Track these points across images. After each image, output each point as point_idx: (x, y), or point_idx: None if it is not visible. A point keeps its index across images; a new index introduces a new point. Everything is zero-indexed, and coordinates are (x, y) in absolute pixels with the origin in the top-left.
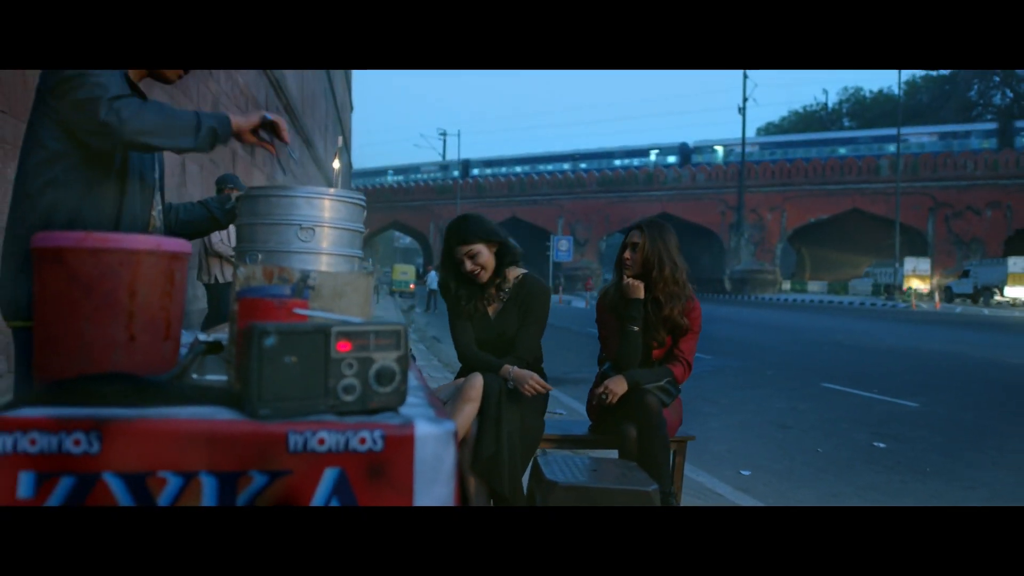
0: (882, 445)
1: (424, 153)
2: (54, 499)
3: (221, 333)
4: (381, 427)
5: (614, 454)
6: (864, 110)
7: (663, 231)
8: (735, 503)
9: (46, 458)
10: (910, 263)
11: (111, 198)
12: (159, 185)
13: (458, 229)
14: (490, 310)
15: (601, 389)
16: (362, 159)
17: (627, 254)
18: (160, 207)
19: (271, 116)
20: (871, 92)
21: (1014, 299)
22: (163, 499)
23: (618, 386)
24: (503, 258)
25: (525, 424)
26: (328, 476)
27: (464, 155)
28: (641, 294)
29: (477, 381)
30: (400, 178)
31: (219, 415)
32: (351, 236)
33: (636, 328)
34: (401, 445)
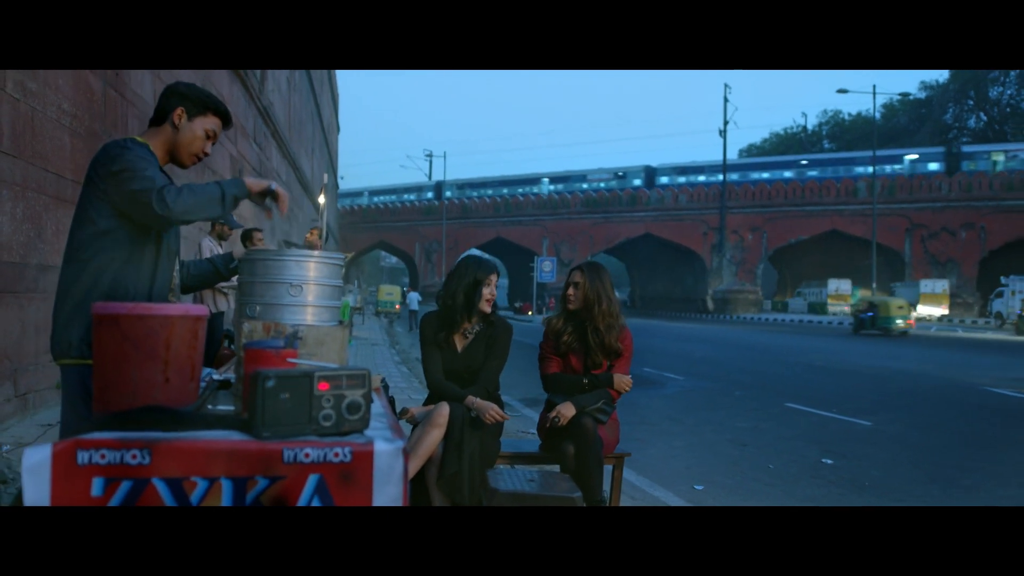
0: (829, 461)
1: (410, 174)
2: (116, 497)
3: (229, 373)
4: (350, 445)
5: (559, 468)
6: (843, 132)
7: (600, 271)
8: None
9: (112, 468)
10: (833, 284)
11: (147, 265)
12: (177, 250)
13: (489, 262)
14: (459, 345)
15: (553, 413)
16: (349, 180)
17: (571, 291)
18: (178, 268)
19: (275, 187)
20: (850, 115)
21: (928, 315)
22: (194, 497)
23: (568, 410)
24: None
25: (484, 446)
26: (312, 480)
27: (445, 176)
28: (627, 387)
29: (444, 410)
30: (560, 187)
31: (233, 436)
32: (332, 290)
33: (586, 384)
34: (364, 458)
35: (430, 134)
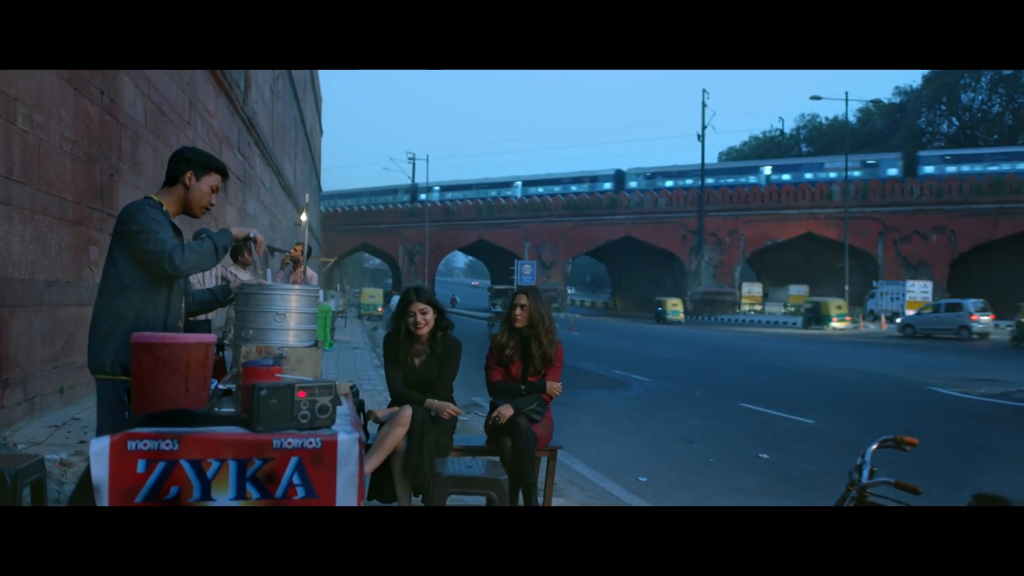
0: (765, 456)
1: (394, 176)
2: (155, 473)
3: (230, 384)
4: (320, 436)
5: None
6: (820, 135)
7: (540, 295)
8: (624, 501)
9: (151, 452)
10: (746, 287)
11: (162, 301)
12: (183, 286)
13: (416, 291)
14: (416, 361)
15: (495, 413)
16: (332, 182)
17: (517, 311)
18: (184, 300)
19: (254, 234)
20: (827, 119)
21: (793, 310)
22: (209, 473)
23: (507, 411)
24: (439, 323)
25: (440, 441)
26: (293, 461)
27: (426, 179)
28: (557, 392)
29: (407, 411)
30: (783, 176)
31: (236, 430)
32: (308, 316)
33: (523, 389)
34: (330, 445)
35: (411, 137)
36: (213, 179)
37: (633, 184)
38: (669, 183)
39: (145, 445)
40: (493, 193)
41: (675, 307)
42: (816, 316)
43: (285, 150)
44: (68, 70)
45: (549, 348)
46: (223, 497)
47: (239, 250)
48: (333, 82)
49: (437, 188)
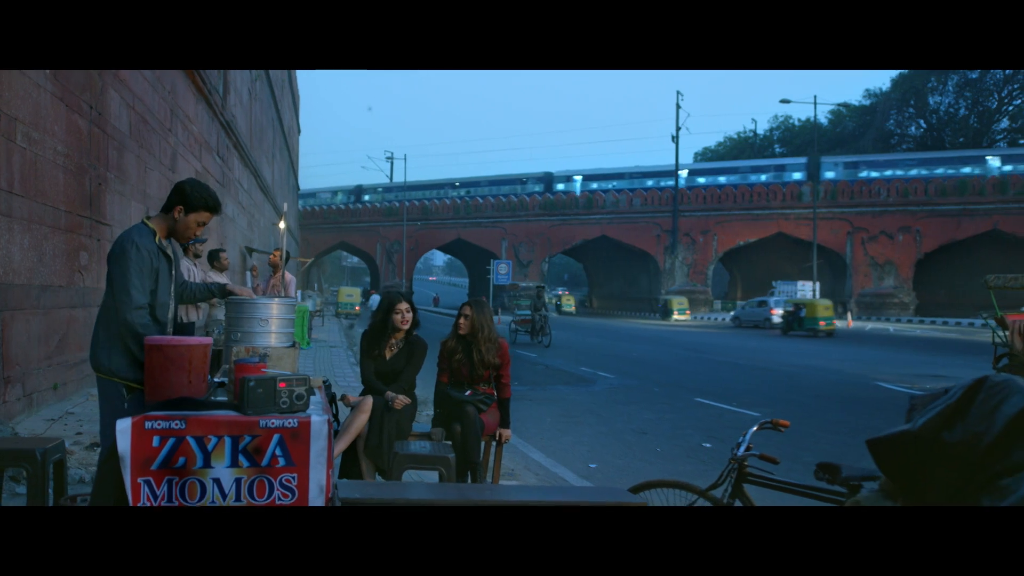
0: (708, 445)
1: (372, 175)
2: (166, 447)
3: (222, 377)
4: (297, 418)
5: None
6: (793, 136)
7: (484, 307)
8: (573, 484)
9: (164, 431)
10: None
11: (159, 309)
12: (179, 292)
13: (401, 294)
14: (388, 353)
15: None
16: (310, 180)
17: (462, 320)
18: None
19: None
20: (799, 120)
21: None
22: (209, 447)
23: (507, 434)
24: (414, 319)
25: (399, 426)
26: (275, 437)
27: (404, 178)
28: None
29: (369, 400)
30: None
31: (230, 413)
32: (287, 322)
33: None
34: (305, 425)
35: (389, 136)
36: (201, 216)
37: (831, 175)
38: (874, 173)
39: (159, 425)
40: (649, 183)
41: (568, 301)
42: (665, 310)
43: (263, 151)
44: (60, 87)
45: (487, 354)
46: (220, 465)
47: (215, 257)
48: (322, 82)
49: (577, 178)
